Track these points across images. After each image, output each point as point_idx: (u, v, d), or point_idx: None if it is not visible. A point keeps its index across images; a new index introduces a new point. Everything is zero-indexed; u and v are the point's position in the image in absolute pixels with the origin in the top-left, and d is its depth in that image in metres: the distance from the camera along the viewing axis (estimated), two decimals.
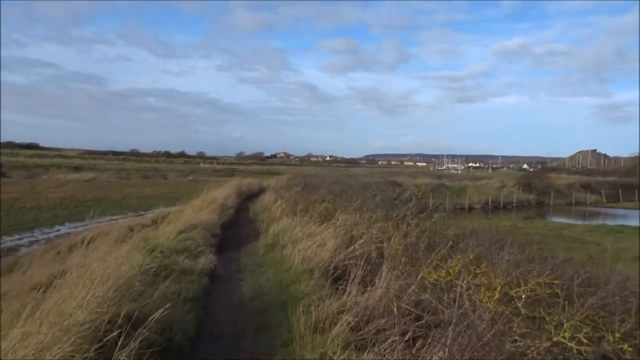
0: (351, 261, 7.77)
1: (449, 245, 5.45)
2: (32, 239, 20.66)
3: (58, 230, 22.61)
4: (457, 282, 3.67)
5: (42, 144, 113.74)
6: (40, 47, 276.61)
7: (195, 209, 13.72)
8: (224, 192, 18.02)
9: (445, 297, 4.11)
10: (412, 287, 5.11)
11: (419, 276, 5.13)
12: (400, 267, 5.43)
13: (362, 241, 7.73)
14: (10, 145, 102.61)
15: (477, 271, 3.69)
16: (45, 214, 26.47)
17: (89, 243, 16.49)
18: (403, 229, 6.63)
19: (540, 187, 43.86)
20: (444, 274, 3.66)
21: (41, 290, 6.69)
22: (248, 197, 21.21)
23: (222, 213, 14.02)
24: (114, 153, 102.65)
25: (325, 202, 11.39)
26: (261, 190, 24.07)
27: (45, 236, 21.29)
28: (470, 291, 3.51)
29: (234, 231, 12.45)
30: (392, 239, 6.29)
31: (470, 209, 37.37)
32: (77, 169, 62.13)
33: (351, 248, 7.80)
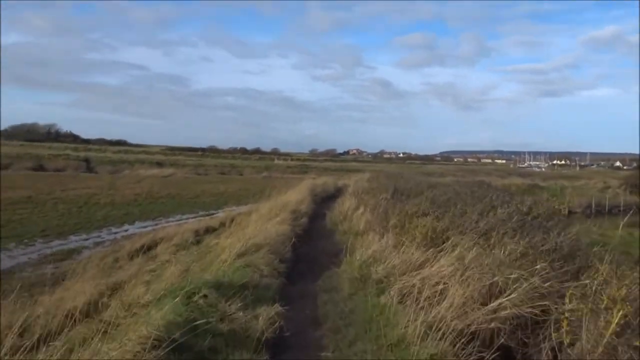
0: (492, 325, 4.82)
1: None
2: (99, 239, 19.35)
3: (126, 230, 21.29)
4: None
5: (130, 141, 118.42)
6: (130, 50, 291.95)
7: (264, 218, 11.23)
8: (296, 195, 15.49)
9: None
10: None
11: None
12: None
13: (514, 295, 4.73)
14: (101, 141, 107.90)
15: None
16: (118, 211, 25.48)
17: (149, 249, 14.54)
18: (623, 292, 3.54)
19: None
20: None
21: None
22: (323, 200, 18.54)
23: (294, 222, 11.42)
24: (202, 150, 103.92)
25: (428, 216, 8.42)
26: (337, 191, 21.31)
27: (112, 236, 19.96)
28: None
29: (308, 249, 9.78)
30: (614, 310, 3.25)
31: (570, 212, 32.47)
32: (159, 164, 63.05)
33: (494, 304, 4.83)
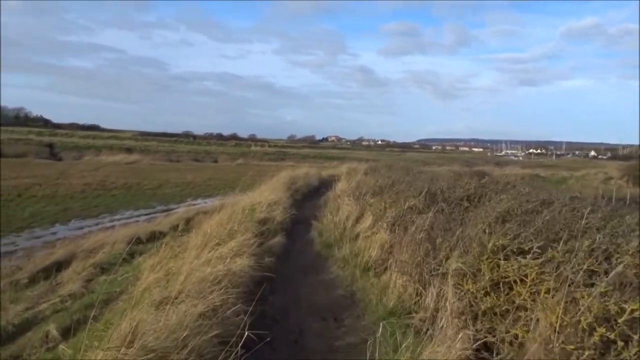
0: None
1: None
2: (10, 247, 14.27)
3: (54, 233, 16.21)
4: None
5: (103, 126, 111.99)
6: (106, 33, 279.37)
7: (212, 240, 6.42)
8: (270, 194, 10.72)
9: None
10: None
11: None
12: None
13: None
14: (73, 126, 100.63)
15: None
16: (55, 206, 20.27)
17: (58, 270, 9.58)
18: None
19: None
20: None
21: None
22: (305, 198, 13.84)
23: (260, 247, 6.71)
24: (191, 135, 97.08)
25: (527, 255, 3.80)
26: (323, 186, 16.53)
27: (30, 242, 14.84)
28: None
29: (284, 304, 5.12)
30: None
31: None
32: (128, 150, 57.42)
33: None
